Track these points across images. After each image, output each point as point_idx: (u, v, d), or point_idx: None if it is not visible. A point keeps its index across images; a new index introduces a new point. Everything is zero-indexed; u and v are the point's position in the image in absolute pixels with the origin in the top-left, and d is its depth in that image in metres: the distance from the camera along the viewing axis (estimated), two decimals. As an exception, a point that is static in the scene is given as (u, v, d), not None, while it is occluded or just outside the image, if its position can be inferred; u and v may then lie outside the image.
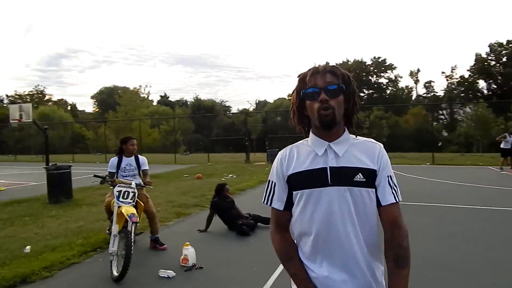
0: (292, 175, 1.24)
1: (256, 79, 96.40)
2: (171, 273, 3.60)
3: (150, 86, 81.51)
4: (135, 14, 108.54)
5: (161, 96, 66.16)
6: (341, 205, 1.17)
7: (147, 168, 4.71)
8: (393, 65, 53.54)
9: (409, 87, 55.93)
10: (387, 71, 54.00)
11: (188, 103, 60.88)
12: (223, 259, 4.16)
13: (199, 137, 43.36)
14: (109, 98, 63.68)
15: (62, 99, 68.99)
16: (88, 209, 7.15)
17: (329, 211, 1.18)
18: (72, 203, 7.97)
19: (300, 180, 1.23)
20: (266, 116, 22.64)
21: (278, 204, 1.29)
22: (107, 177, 4.18)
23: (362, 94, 54.74)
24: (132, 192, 3.94)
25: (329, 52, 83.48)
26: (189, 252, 3.88)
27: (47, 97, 67.28)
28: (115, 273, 3.50)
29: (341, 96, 1.20)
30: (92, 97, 69.85)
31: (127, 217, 3.68)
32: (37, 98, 64.57)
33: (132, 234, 3.73)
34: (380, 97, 52.52)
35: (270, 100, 57.58)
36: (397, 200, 1.21)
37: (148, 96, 54.67)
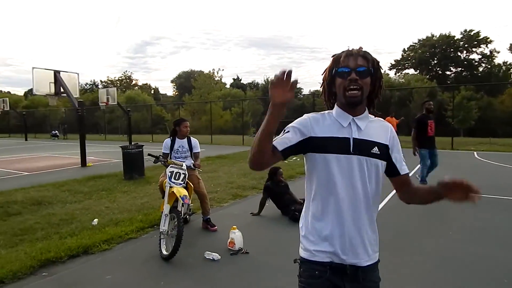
0: (316, 138, 1.33)
1: (330, 59, 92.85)
2: (216, 256, 3.59)
3: (223, 70, 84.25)
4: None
5: (233, 79, 67.81)
6: (360, 171, 1.31)
7: (199, 150, 4.74)
8: (488, 38, 46.84)
9: (508, 63, 48.58)
10: (481, 45, 47.44)
11: (260, 85, 61.41)
12: (271, 245, 4.03)
13: (269, 119, 43.44)
14: (186, 82, 67.40)
15: (146, 84, 75.12)
16: (156, 186, 7.58)
17: (350, 175, 1.30)
18: (144, 180, 8.56)
19: (324, 145, 1.33)
20: (313, 98, 21.55)
21: (280, 144, 1.33)
22: (161, 157, 4.30)
23: (448, 73, 49.42)
24: (183, 173, 3.99)
25: (411, 26, 76.29)
26: (236, 236, 3.83)
27: (133, 82, 73.98)
28: (164, 252, 3.61)
29: (368, 78, 1.31)
30: (172, 81, 74.82)
31: (179, 197, 3.73)
32: (125, 83, 71.28)
33: (182, 214, 3.79)
34: (470, 76, 46.63)
35: (343, 80, 54.74)
36: (408, 170, 1.46)
37: (221, 79, 56.52)
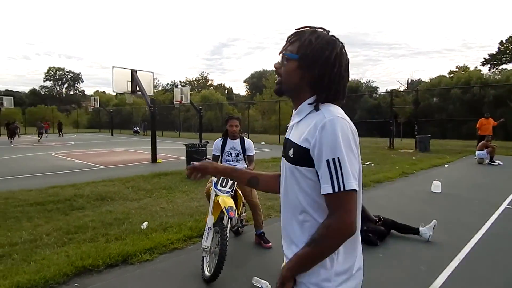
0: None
1: (410, 56, 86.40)
2: (266, 284, 2.95)
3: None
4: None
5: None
6: (285, 175, 1.18)
7: (253, 153, 4.15)
8: None
9: None
10: None
11: (332, 84, 59.06)
12: (336, 274, 3.26)
13: (341, 119, 41.46)
14: (258, 82, 68.35)
15: (221, 84, 78.02)
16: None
17: (282, 178, 1.21)
18: (206, 179, 8.28)
19: None
20: (418, 96, 19.35)
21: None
22: (207, 159, 3.79)
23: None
24: (231, 179, 3.44)
25: (508, 16, 66.60)
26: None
27: (209, 82, 77.42)
28: (207, 273, 3.08)
29: (291, 65, 1.14)
30: (244, 81, 76.43)
31: (224, 209, 3.19)
32: (202, 83, 74.92)
33: (228, 229, 3.24)
34: None
35: (426, 78, 50.39)
36: (337, 190, 1.00)
37: (292, 78, 55.62)
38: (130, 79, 13.26)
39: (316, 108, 1.10)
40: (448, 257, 3.58)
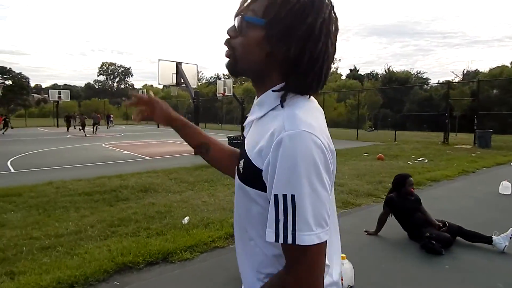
0: None
1: (467, 45, 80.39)
2: None
3: (339, 60, 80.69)
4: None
5: (350, 69, 64.29)
6: (235, 188, 0.84)
7: None
8: None
9: None
10: None
11: (379, 75, 56.67)
12: (392, 286, 2.87)
13: (387, 112, 39.77)
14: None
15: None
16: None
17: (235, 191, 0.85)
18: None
19: None
20: (478, 88, 17.68)
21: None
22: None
23: None
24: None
25: None
26: (345, 268, 2.80)
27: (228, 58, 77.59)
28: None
29: (255, 33, 0.77)
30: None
31: None
32: (243, 75, 75.33)
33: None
34: None
35: (484, 69, 46.43)
36: (282, 241, 0.67)
37: (336, 69, 54.18)
38: (175, 72, 13.41)
39: (282, 102, 0.76)
40: (531, 274, 3.04)
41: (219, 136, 17.28)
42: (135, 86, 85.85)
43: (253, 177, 0.74)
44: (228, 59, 0.82)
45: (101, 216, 4.69)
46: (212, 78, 70.96)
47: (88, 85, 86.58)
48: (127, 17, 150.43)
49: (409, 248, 3.65)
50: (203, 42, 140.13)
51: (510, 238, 3.49)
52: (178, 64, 13.37)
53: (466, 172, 8.08)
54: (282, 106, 0.75)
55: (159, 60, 13.27)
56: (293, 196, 0.66)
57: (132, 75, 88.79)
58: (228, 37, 0.81)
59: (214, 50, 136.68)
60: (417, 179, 6.84)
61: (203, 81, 66.12)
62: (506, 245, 3.47)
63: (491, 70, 41.41)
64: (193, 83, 13.96)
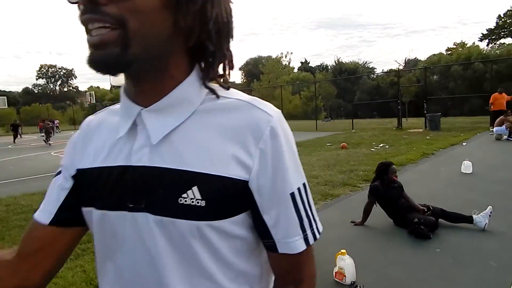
0: (81, 172, 0.62)
1: (405, 35, 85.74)
2: (321, 295, 2.53)
3: (292, 53, 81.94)
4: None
5: (301, 62, 65.84)
6: (145, 256, 0.55)
7: None
8: None
9: None
10: None
11: (329, 67, 58.51)
12: (394, 276, 2.84)
13: (340, 102, 41.18)
14: (254, 69, 67.42)
15: (215, 72, 76.87)
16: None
17: (128, 262, 0.57)
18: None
19: (89, 187, 0.60)
20: (425, 74, 18.77)
21: (41, 213, 0.64)
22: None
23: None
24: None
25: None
26: (347, 264, 2.71)
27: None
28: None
29: None
30: (240, 69, 75.33)
31: None
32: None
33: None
34: None
35: (421, 57, 49.74)
36: (313, 240, 0.59)
37: (289, 63, 54.98)
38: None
39: (215, 91, 0.58)
40: (515, 249, 3.17)
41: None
42: (80, 89, 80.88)
43: (228, 200, 0.54)
44: (106, 45, 0.48)
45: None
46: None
47: (26, 90, 79.74)
48: (64, 14, 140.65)
49: (397, 235, 3.67)
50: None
51: (489, 215, 3.63)
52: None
53: (427, 154, 8.48)
54: (218, 96, 0.58)
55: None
56: (304, 184, 0.59)
57: (75, 77, 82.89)
58: (102, 3, 0.47)
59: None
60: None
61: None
62: (486, 223, 3.60)
63: (429, 57, 44.49)
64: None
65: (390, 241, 3.55)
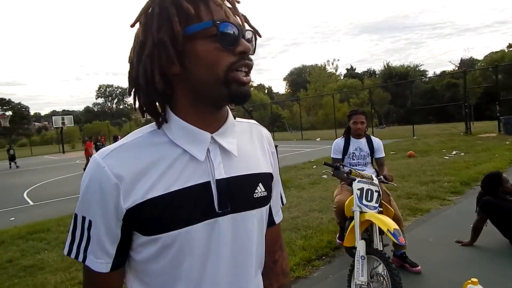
0: (143, 205, 0.64)
1: (457, 34, 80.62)
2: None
3: (338, 60, 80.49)
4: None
5: (347, 69, 64.23)
6: (238, 250, 0.72)
7: (383, 155, 3.38)
8: None
9: None
10: None
11: (377, 72, 56.39)
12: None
13: (391, 108, 39.36)
14: (298, 78, 67.23)
15: (260, 84, 77.77)
16: (298, 193, 6.50)
17: (222, 264, 0.70)
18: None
19: (162, 214, 0.65)
20: (496, 73, 17.11)
21: (99, 262, 0.68)
22: (341, 165, 3.03)
23: None
24: (376, 191, 2.67)
25: None
26: (480, 295, 2.30)
27: (250, 83, 77.82)
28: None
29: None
30: (284, 79, 75.62)
31: (389, 234, 2.38)
32: (242, 84, 75.22)
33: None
34: None
35: (478, 56, 46.16)
36: (283, 204, 0.95)
37: (336, 70, 53.98)
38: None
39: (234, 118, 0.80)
40: None
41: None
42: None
43: (269, 188, 0.80)
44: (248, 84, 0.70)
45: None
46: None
47: (87, 109, 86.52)
48: (118, 37, 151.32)
49: (520, 258, 3.14)
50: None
51: None
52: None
53: (516, 161, 7.57)
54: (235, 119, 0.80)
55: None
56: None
57: (131, 95, 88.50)
58: (251, 55, 0.71)
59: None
60: (471, 175, 6.35)
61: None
62: None
63: (489, 55, 40.99)
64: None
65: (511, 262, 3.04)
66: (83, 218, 0.68)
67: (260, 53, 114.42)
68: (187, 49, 0.65)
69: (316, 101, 41.16)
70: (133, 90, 0.72)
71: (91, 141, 17.86)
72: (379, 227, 2.50)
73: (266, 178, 0.78)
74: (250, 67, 0.69)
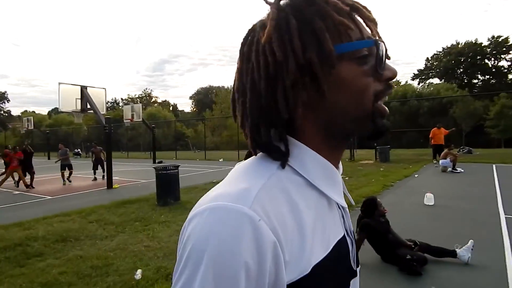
0: (316, 267, 0.49)
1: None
2: None
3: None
4: (228, 17, 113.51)
5: (252, 93, 67.12)
6: None
7: None
8: (515, 44, 44.39)
9: (541, 69, 45.90)
10: (510, 52, 45.04)
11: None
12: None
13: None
14: (205, 98, 67.64)
15: (165, 100, 76.03)
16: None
17: None
18: (180, 205, 7.41)
19: (326, 278, 0.51)
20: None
21: None
22: None
23: (475, 81, 47.59)
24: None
25: (431, 35, 73.77)
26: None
27: (153, 99, 74.86)
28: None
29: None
30: (190, 98, 75.25)
31: None
32: (145, 100, 72.07)
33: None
34: (498, 83, 44.41)
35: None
36: None
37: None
38: (80, 97, 11.84)
39: None
40: (503, 283, 3.25)
41: (128, 165, 15.92)
42: (12, 113, 74.31)
43: None
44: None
45: (14, 283, 3.56)
46: (108, 103, 66.03)
47: None
48: None
49: (388, 272, 3.61)
50: (93, 65, 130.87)
51: (472, 249, 3.73)
52: (84, 88, 11.87)
53: (387, 186, 8.82)
54: None
55: (59, 83, 11.58)
56: None
57: (8, 101, 76.21)
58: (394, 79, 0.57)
59: (107, 73, 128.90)
60: (354, 198, 7.13)
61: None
62: (469, 257, 3.69)
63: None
64: (102, 109, 12.54)
65: (383, 279, 3.47)
66: None
67: (167, 69, 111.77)
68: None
69: (221, 122, 41.87)
70: (256, 122, 0.54)
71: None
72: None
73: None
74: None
